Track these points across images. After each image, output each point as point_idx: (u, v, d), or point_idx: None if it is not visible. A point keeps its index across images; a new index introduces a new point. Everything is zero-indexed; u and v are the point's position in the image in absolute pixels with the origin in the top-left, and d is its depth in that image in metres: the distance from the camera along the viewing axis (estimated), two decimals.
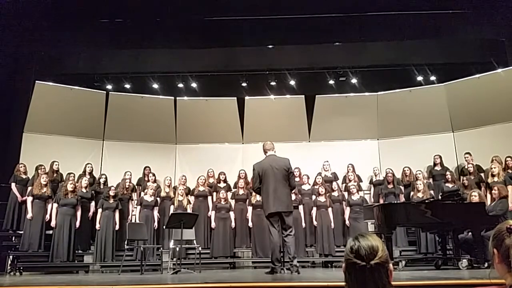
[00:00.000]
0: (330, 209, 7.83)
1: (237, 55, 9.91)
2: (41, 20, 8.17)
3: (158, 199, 8.04)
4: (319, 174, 8.57)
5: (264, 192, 5.15)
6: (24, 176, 7.76)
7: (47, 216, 7.30)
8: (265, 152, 5.36)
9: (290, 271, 4.92)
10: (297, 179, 7.68)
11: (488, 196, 6.79)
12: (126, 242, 6.57)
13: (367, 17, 8.35)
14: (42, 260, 7.14)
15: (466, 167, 8.11)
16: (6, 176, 7.71)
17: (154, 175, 8.64)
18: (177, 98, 9.85)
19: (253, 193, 7.84)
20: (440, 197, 7.26)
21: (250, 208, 7.91)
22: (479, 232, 5.47)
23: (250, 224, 7.85)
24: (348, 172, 8.58)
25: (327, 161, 8.82)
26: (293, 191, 5.61)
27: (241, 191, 8.16)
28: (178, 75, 10.23)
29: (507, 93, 8.36)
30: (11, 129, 8.58)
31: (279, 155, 5.36)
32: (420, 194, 7.24)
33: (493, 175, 7.13)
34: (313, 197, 8.04)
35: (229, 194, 8.27)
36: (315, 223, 7.77)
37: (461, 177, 8.03)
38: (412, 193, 7.60)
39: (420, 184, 7.42)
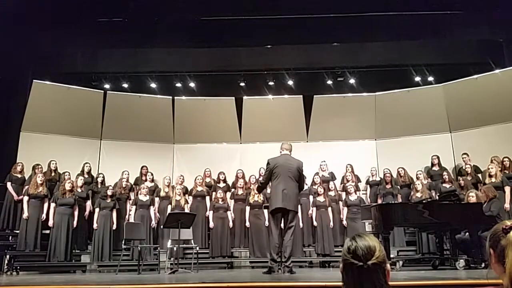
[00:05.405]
0: (329, 209, 7.83)
1: (235, 55, 9.88)
2: (38, 19, 8.14)
3: (155, 198, 8.03)
4: (317, 174, 8.58)
5: (274, 187, 5.14)
6: (19, 176, 7.72)
7: (44, 216, 7.28)
8: (281, 150, 5.41)
9: (282, 271, 4.91)
10: None
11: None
12: (123, 242, 6.56)
13: (365, 17, 8.35)
14: (39, 259, 7.12)
15: (463, 167, 8.12)
16: (2, 176, 7.69)
17: (152, 174, 8.63)
18: (175, 97, 9.84)
19: (251, 193, 7.84)
20: (437, 198, 7.27)
21: (247, 208, 7.90)
22: (477, 232, 5.49)
23: (247, 224, 7.84)
24: (346, 172, 8.59)
25: (324, 161, 8.82)
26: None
27: (240, 191, 8.16)
28: (176, 75, 10.19)
29: (505, 93, 8.38)
30: (9, 128, 8.55)
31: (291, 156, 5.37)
32: (418, 194, 7.26)
33: (490, 176, 7.14)
34: (311, 197, 8.05)
35: (228, 194, 8.26)
36: (315, 223, 7.77)
37: (458, 178, 8.04)
38: (411, 193, 7.61)
39: (419, 184, 7.44)
